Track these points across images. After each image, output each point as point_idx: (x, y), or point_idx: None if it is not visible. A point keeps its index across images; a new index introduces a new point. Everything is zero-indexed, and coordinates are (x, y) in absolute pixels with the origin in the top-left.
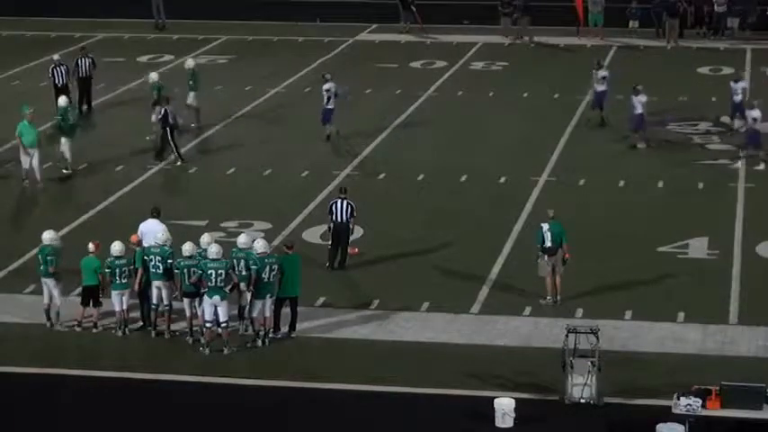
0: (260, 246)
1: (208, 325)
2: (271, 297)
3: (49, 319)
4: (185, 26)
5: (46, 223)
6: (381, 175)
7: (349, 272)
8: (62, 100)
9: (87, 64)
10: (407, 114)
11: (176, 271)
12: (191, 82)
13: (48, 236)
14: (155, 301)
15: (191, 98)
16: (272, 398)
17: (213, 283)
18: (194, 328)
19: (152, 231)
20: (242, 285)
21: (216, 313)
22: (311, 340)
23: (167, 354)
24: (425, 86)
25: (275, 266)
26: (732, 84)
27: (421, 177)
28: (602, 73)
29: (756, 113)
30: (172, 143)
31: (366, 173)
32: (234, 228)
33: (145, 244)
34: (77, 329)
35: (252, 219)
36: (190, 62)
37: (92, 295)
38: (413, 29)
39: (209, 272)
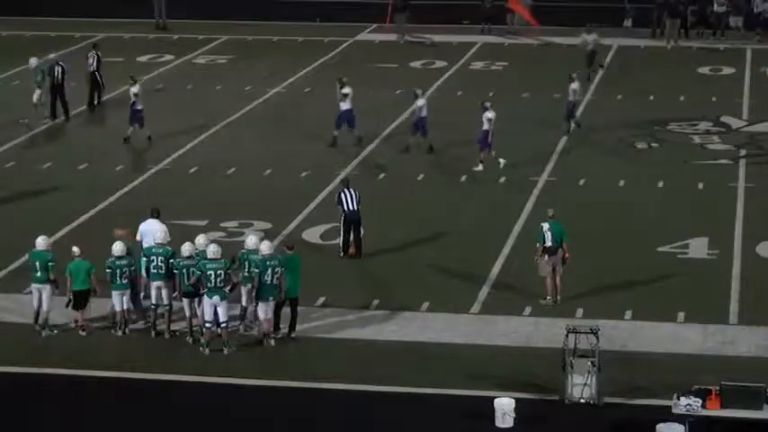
0: (265, 247)
1: (207, 325)
2: (273, 300)
3: (37, 322)
4: (186, 26)
5: (41, 225)
6: (381, 176)
7: (349, 272)
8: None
9: (94, 61)
10: (407, 115)
11: (176, 271)
12: (38, 78)
13: (43, 242)
14: (154, 301)
15: (36, 96)
16: (272, 398)
17: (212, 284)
18: (194, 328)
19: (152, 231)
20: (249, 287)
21: (216, 313)
22: (311, 340)
23: (167, 354)
24: (425, 87)
25: (278, 269)
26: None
27: (421, 177)
28: (574, 86)
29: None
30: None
31: (366, 173)
32: (234, 228)
33: (145, 244)
34: (82, 333)
35: (252, 219)
36: (33, 61)
37: (83, 299)
38: (402, 30)
39: (209, 272)
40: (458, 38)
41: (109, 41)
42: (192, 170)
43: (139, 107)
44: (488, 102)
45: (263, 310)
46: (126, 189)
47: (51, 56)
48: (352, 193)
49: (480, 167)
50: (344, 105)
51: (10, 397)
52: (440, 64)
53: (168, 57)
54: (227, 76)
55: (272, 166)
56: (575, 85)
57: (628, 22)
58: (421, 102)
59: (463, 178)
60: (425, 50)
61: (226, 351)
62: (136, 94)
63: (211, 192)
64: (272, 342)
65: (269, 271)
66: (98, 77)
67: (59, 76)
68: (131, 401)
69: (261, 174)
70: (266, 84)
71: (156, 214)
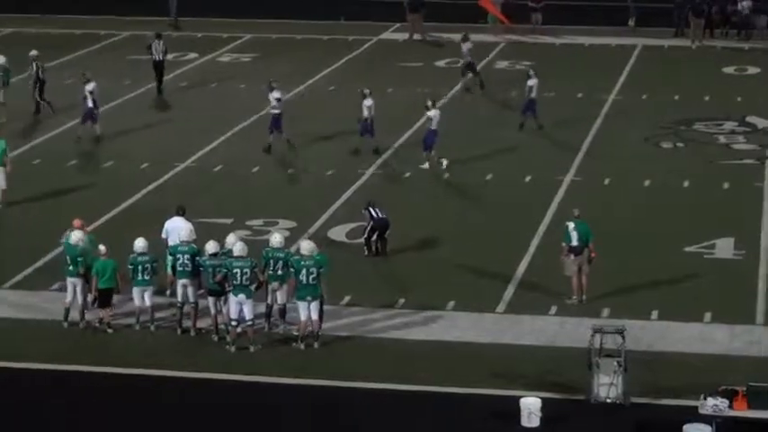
0: (304, 247)
1: (233, 323)
2: (314, 299)
3: (66, 318)
4: (210, 24)
5: (67, 223)
6: (407, 174)
7: (375, 271)
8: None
9: (161, 48)
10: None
11: (201, 269)
12: (2, 77)
13: (76, 236)
14: (180, 298)
15: (1, 95)
16: (298, 396)
17: (238, 282)
18: (220, 326)
19: (177, 229)
20: (274, 285)
21: (241, 311)
22: (337, 339)
23: (193, 351)
24: (450, 85)
25: (313, 269)
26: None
27: (446, 177)
28: (531, 82)
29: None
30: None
31: (391, 172)
32: (259, 226)
33: (170, 242)
34: (109, 331)
35: (277, 217)
36: (1, 58)
37: (109, 297)
38: (416, 29)
39: (234, 270)
40: (481, 37)
41: (133, 39)
42: (217, 168)
43: (91, 105)
44: (430, 101)
45: (301, 311)
46: (151, 187)
47: (32, 53)
48: (377, 209)
49: (427, 165)
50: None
51: (37, 393)
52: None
53: (192, 55)
54: (251, 75)
55: (297, 165)
56: (531, 82)
57: (632, 22)
58: (432, 113)
59: (489, 176)
60: (449, 50)
61: (251, 349)
62: (91, 92)
63: (236, 190)
64: (315, 345)
65: (304, 270)
66: (163, 66)
67: (40, 72)
68: (156, 399)
69: (285, 172)
70: (290, 82)
71: (181, 212)
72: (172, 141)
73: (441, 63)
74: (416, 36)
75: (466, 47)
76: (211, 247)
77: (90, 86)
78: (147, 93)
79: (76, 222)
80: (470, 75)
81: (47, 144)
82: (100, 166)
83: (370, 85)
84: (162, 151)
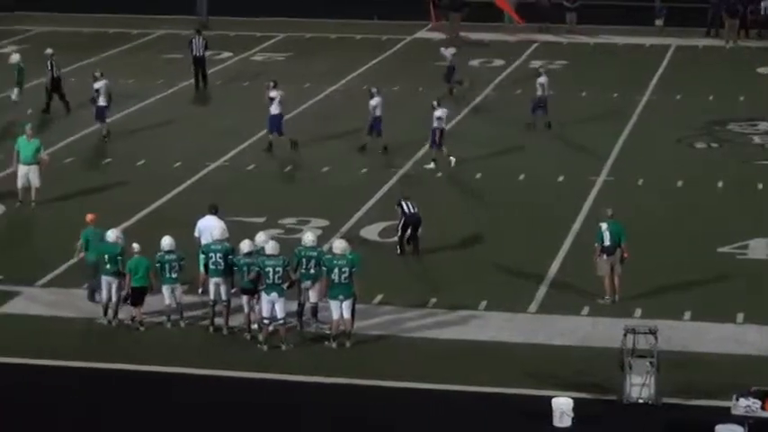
0: (337, 246)
1: (265, 322)
2: (346, 298)
3: (106, 314)
4: (244, 24)
5: (100, 222)
6: (438, 174)
7: (407, 270)
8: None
9: (201, 44)
10: (464, 113)
11: (235, 268)
12: (17, 75)
13: (113, 235)
14: (212, 297)
15: (15, 94)
16: (329, 395)
17: (270, 280)
18: (252, 325)
19: (210, 228)
20: (306, 283)
21: (273, 310)
22: (369, 338)
23: (225, 350)
24: (484, 85)
25: (346, 268)
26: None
27: (478, 176)
28: (541, 80)
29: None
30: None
31: (423, 171)
32: (292, 224)
33: (203, 240)
34: (141, 329)
35: (309, 216)
36: (15, 57)
37: (142, 295)
38: (454, 29)
39: (267, 269)
40: (515, 37)
41: (168, 37)
42: (250, 167)
43: (103, 103)
44: (436, 100)
45: (333, 310)
46: (184, 185)
47: (48, 51)
48: (411, 204)
49: (432, 165)
50: (377, 113)
51: (68, 391)
52: (498, 62)
53: (226, 54)
54: (284, 74)
55: (330, 164)
56: (542, 80)
57: (659, 22)
58: (439, 112)
59: (522, 176)
60: (484, 49)
61: (283, 348)
62: (97, 90)
63: (269, 188)
64: (347, 344)
65: (336, 269)
66: (204, 61)
67: (56, 70)
68: (187, 396)
69: (318, 171)
70: (324, 81)
71: (213, 211)
72: (205, 140)
73: (475, 63)
74: (458, 35)
75: (449, 52)
76: (246, 245)
77: (98, 84)
78: (179, 92)
79: (89, 217)
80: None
81: (79, 142)
82: (133, 164)
83: (404, 84)
84: (195, 150)
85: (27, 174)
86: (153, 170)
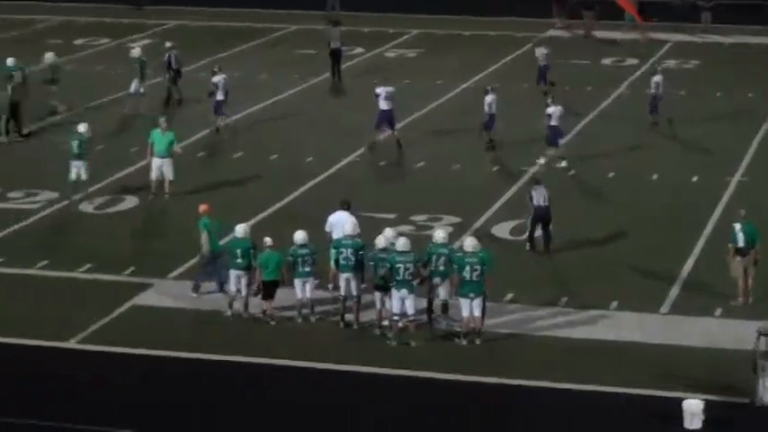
0: (468, 244)
1: (395, 318)
2: (476, 296)
3: (231, 308)
4: (376, 19)
5: (232, 215)
6: (571, 172)
7: (537, 268)
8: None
9: (338, 35)
10: (598, 112)
11: (371, 264)
12: (138, 69)
13: (242, 229)
14: (343, 292)
15: (134, 85)
16: (459, 393)
17: (401, 277)
18: (383, 321)
19: (341, 223)
20: (436, 280)
21: (403, 306)
22: (498, 336)
23: (354, 345)
24: (617, 84)
25: (477, 266)
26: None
27: (611, 175)
28: (656, 78)
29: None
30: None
31: (555, 169)
32: (423, 221)
33: (334, 236)
34: (272, 323)
35: (441, 213)
36: (136, 50)
37: (273, 289)
38: (566, 24)
39: (397, 265)
40: (642, 36)
41: (299, 33)
42: (382, 163)
43: (220, 97)
44: (549, 97)
45: (463, 307)
46: (316, 180)
47: (167, 44)
48: (543, 191)
49: (564, 163)
50: (491, 111)
51: (200, 383)
52: (631, 62)
53: (359, 49)
54: (416, 71)
55: (461, 161)
56: (657, 78)
57: (707, 18)
58: (551, 109)
59: (655, 176)
60: (616, 48)
61: (412, 344)
62: (216, 84)
63: (401, 185)
64: (477, 341)
65: (467, 267)
66: (340, 53)
67: (175, 63)
68: (316, 391)
69: (450, 168)
70: (456, 78)
71: (345, 206)
72: (337, 135)
73: (607, 61)
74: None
75: (540, 52)
76: (381, 241)
77: (217, 78)
78: (313, 87)
79: (203, 207)
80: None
81: (211, 136)
82: (266, 158)
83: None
84: (327, 145)
85: (161, 167)
86: (285, 164)
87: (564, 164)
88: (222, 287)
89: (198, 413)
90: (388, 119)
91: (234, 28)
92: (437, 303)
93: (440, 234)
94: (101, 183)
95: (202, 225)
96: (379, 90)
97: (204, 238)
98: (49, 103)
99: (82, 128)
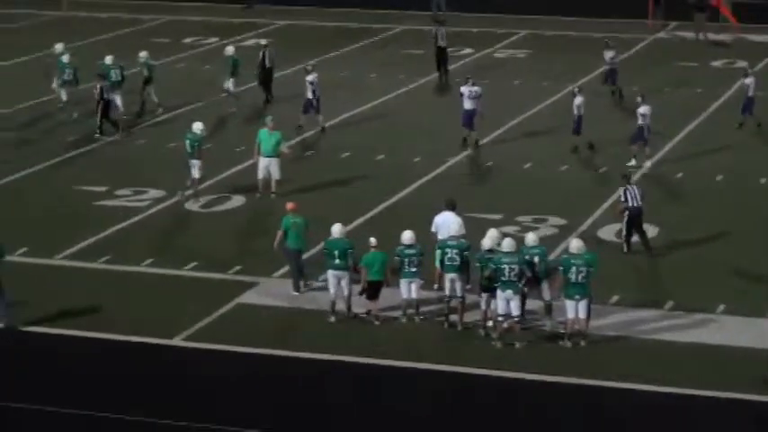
0: (573, 246)
1: (500, 319)
2: (582, 298)
3: (333, 312)
4: (485, 20)
5: (338, 215)
6: (678, 174)
7: (642, 271)
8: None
9: (443, 34)
10: (707, 114)
11: (477, 265)
12: (231, 67)
13: (338, 230)
14: (448, 293)
15: (229, 84)
16: (563, 395)
17: (506, 277)
18: (488, 322)
19: (447, 223)
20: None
21: (508, 307)
22: (603, 338)
23: (459, 346)
24: (727, 86)
25: (583, 268)
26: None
27: (719, 178)
28: (748, 81)
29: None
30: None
31: (662, 171)
32: (528, 222)
33: (440, 236)
34: (377, 323)
35: (546, 214)
36: (230, 49)
37: (377, 289)
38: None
39: (503, 266)
40: (762, 37)
41: (407, 33)
42: (489, 163)
43: (309, 96)
44: (640, 96)
45: (568, 309)
46: (422, 180)
47: (262, 42)
48: (635, 189)
49: (633, 162)
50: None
51: (304, 382)
52: (741, 63)
53: (467, 50)
54: (525, 71)
55: (568, 162)
56: (748, 80)
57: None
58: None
59: (763, 180)
60: (727, 50)
61: (517, 345)
62: (312, 83)
63: (506, 185)
64: (582, 343)
65: (573, 269)
66: (446, 53)
67: (269, 61)
68: (420, 391)
69: (556, 169)
70: (563, 80)
71: (451, 207)
72: (444, 135)
73: (717, 63)
74: (699, 36)
75: (608, 55)
76: (488, 242)
77: (310, 77)
78: (420, 87)
79: (290, 205)
80: (610, 83)
81: (316, 136)
82: (372, 158)
83: (645, 84)
84: (434, 145)
85: (268, 166)
86: (392, 165)
87: (633, 162)
88: (298, 287)
89: (307, 412)
90: (470, 118)
91: (342, 28)
92: (541, 305)
93: (530, 237)
94: (208, 182)
95: (284, 223)
96: (464, 89)
97: (279, 235)
98: (147, 100)
99: (196, 127)
